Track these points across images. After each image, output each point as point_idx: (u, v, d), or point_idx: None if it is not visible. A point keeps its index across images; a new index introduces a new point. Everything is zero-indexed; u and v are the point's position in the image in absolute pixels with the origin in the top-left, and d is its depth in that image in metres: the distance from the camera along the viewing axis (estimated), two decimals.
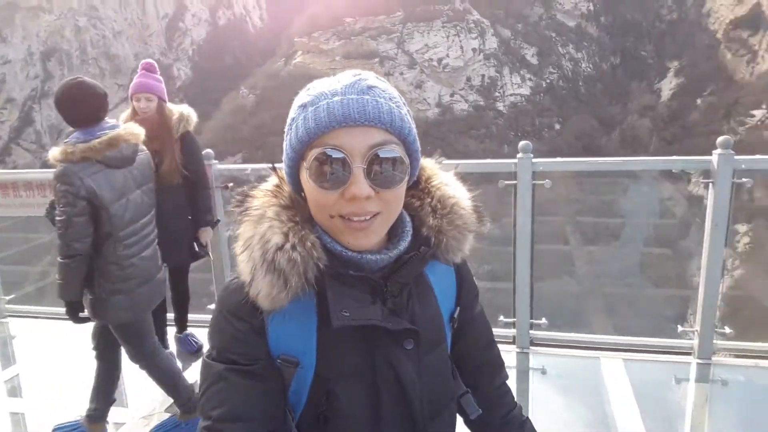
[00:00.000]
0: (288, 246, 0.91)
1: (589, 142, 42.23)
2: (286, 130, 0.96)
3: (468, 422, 1.19)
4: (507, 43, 54.24)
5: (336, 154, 0.88)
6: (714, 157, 3.36)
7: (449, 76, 51.36)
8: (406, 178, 0.94)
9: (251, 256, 0.93)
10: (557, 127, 48.36)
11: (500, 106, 50.28)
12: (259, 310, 0.94)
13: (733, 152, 3.33)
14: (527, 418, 1.23)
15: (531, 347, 3.83)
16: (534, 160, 3.64)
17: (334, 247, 0.95)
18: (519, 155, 3.64)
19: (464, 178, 1.12)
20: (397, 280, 0.98)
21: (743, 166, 3.34)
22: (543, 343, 3.88)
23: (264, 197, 0.99)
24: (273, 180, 1.03)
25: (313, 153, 0.90)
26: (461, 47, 52.22)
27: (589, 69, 54.81)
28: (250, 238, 0.95)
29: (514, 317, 3.83)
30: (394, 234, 1.02)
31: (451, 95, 50.71)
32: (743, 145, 30.15)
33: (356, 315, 0.93)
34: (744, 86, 38.06)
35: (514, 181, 3.66)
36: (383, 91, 0.93)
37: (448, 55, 52.00)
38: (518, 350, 3.82)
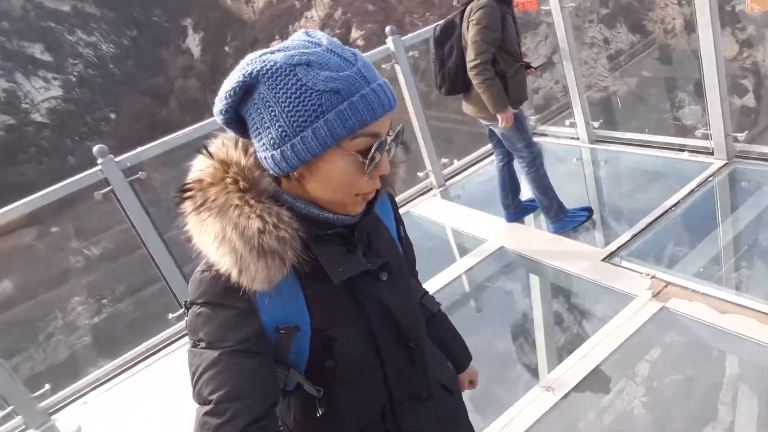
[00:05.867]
0: (270, 227, 0.92)
1: (151, 119, 41.41)
2: (303, 118, 0.87)
3: None
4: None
5: (382, 142, 0.92)
6: None
7: None
8: None
9: (232, 248, 0.91)
10: (113, 116, 45.43)
11: (37, 117, 43.74)
12: (244, 294, 0.93)
13: None
14: (428, 294, 1.44)
15: None
16: (117, 159, 3.46)
17: (309, 211, 0.98)
18: (99, 161, 3.41)
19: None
20: (361, 228, 1.05)
21: None
22: None
23: (218, 185, 0.94)
24: (201, 163, 0.97)
25: (359, 142, 0.90)
26: None
27: (111, 49, 52.14)
28: (221, 230, 0.91)
29: None
30: None
31: None
32: None
33: (347, 267, 1.00)
34: (254, 25, 42.82)
35: (109, 187, 3.44)
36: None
37: None
38: None
